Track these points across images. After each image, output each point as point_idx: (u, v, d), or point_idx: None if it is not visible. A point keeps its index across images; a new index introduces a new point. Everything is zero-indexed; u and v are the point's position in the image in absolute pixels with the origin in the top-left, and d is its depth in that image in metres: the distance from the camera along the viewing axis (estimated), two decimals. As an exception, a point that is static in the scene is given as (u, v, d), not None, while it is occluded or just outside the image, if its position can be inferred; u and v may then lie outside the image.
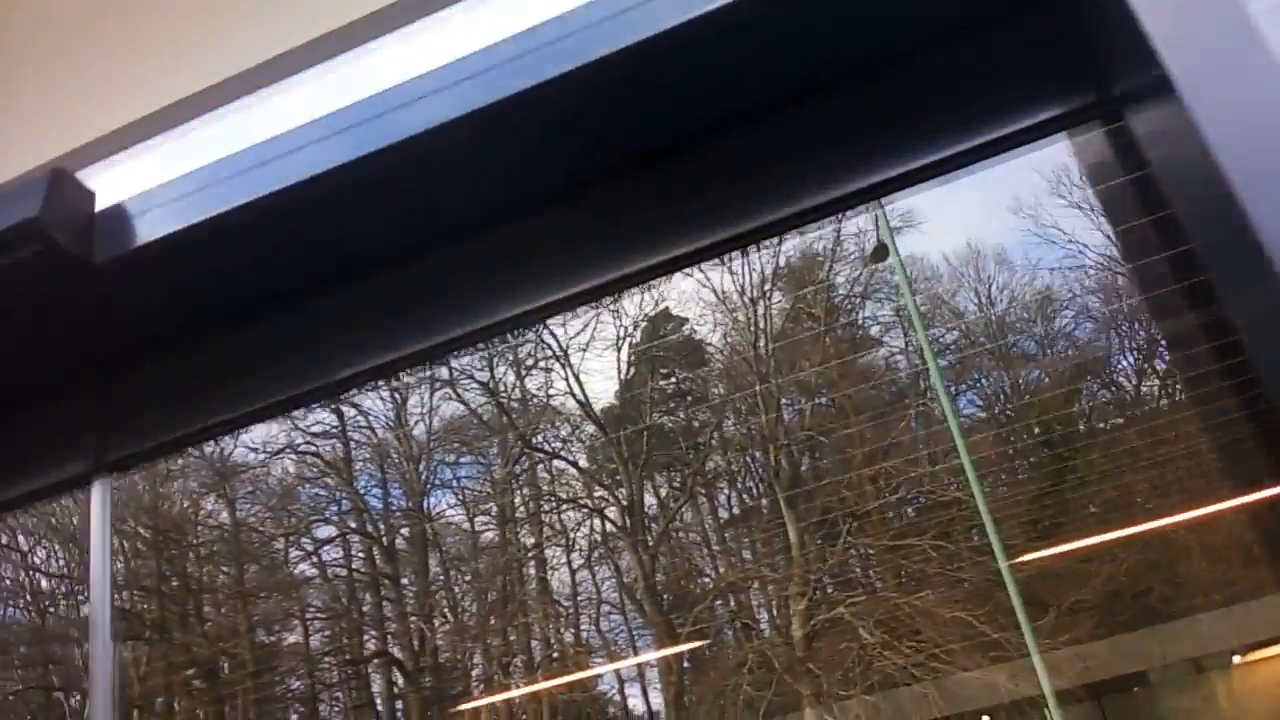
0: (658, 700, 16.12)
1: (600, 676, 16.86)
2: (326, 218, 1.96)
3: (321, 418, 17.75)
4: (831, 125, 2.05)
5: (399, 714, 15.71)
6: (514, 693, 14.75)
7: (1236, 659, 11.70)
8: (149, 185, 1.95)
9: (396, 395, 17.33)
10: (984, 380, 16.38)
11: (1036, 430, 15.68)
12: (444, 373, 16.88)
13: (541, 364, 16.48)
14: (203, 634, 16.00)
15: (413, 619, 15.92)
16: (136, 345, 2.23)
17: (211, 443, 15.99)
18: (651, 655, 14.47)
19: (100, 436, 2.32)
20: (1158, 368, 15.12)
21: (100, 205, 1.98)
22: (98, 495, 2.28)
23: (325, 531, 17.41)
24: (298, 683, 17.27)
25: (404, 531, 17.20)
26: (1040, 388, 16.01)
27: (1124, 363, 15.45)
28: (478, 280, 2.10)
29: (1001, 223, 16.89)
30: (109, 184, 2.01)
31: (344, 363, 2.17)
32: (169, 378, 2.28)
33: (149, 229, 1.93)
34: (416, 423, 17.25)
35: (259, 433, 18.27)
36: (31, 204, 1.82)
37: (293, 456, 18.03)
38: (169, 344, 2.23)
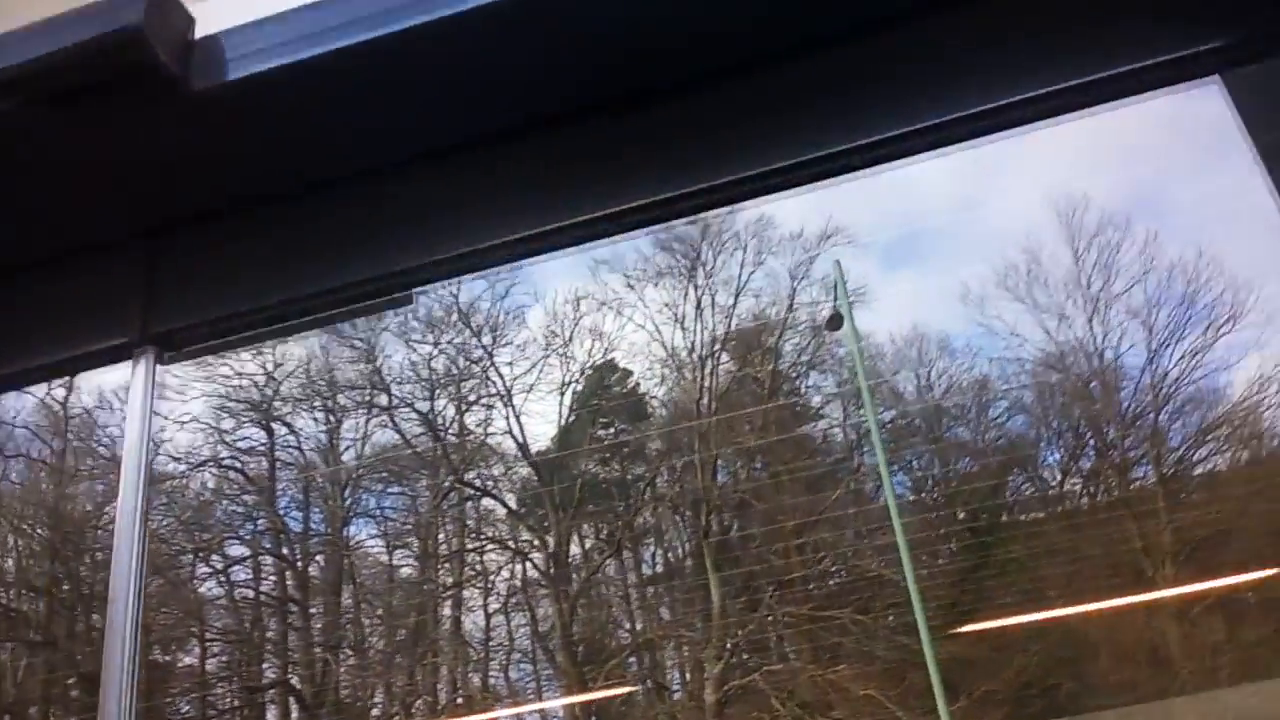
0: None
1: (504, 726, 16.47)
2: (436, 73, 1.91)
3: (250, 434, 17.36)
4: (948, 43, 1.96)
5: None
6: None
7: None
8: (251, 19, 1.91)
9: (331, 417, 17.03)
10: (915, 462, 16.67)
11: (961, 515, 15.97)
12: (383, 400, 16.64)
13: (483, 401, 16.36)
14: (90, 643, 15.27)
15: (318, 649, 15.41)
16: (200, 205, 2.12)
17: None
18: (561, 701, 14.18)
19: (146, 305, 2.17)
20: (1082, 466, 15.56)
21: (199, 34, 1.94)
22: (139, 372, 2.13)
23: (238, 550, 16.88)
24: (187, 706, 16.53)
25: (319, 559, 16.74)
26: (970, 474, 16.33)
27: (1050, 459, 15.90)
28: (569, 172, 2.05)
29: (948, 309, 17.43)
30: (208, 15, 1.96)
31: (413, 252, 2.09)
32: (229, 247, 2.15)
33: (249, 64, 1.89)
34: (347, 448, 16.93)
35: (182, 442, 17.76)
36: (132, 14, 1.77)
37: (214, 470, 17.53)
38: (236, 208, 2.12)
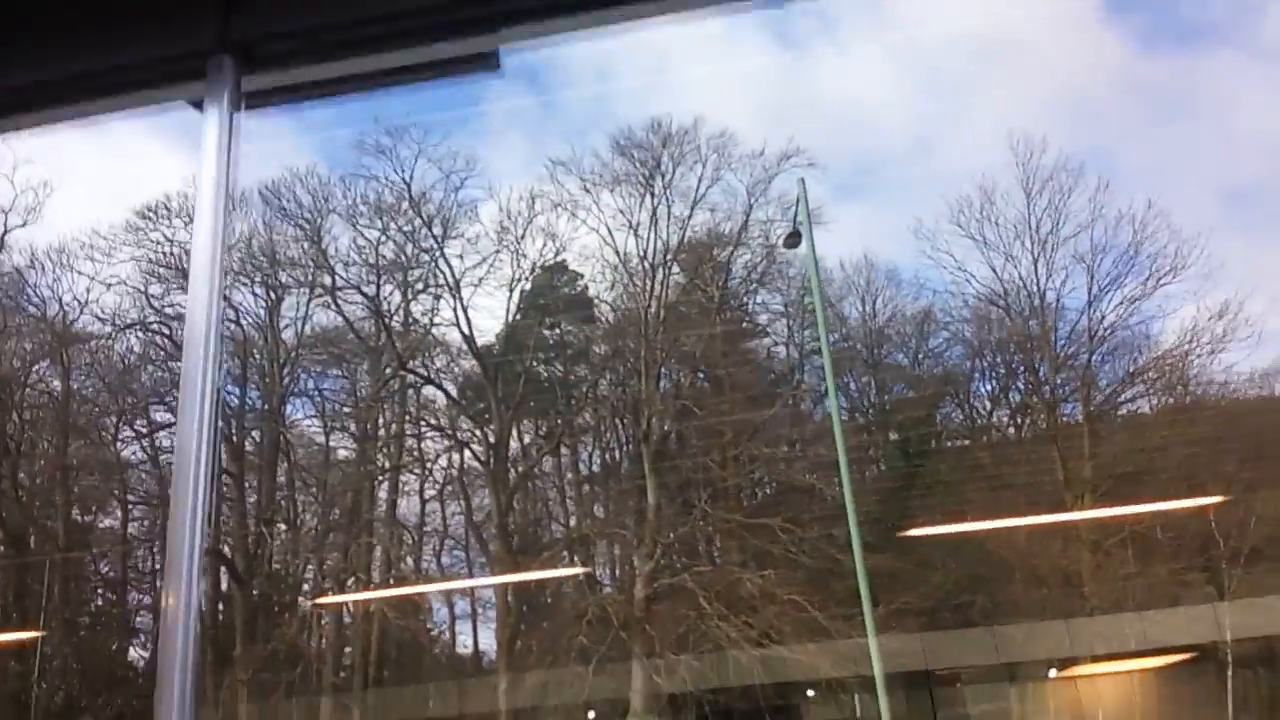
0: (487, 642, 16.18)
1: (433, 611, 16.73)
2: None
3: (179, 300, 16.85)
4: None
5: (220, 614, 15.10)
6: (349, 597, 14.35)
7: (1053, 673, 12.64)
8: None
9: (272, 294, 16.62)
10: (853, 384, 17.17)
11: (894, 437, 16.58)
12: (327, 280, 16.28)
13: (431, 290, 16.14)
14: (15, 499, 14.89)
15: (250, 520, 15.32)
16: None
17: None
18: (495, 580, 14.37)
19: (226, 7, 1.81)
20: (1012, 399, 16.27)
21: None
22: (215, 89, 1.78)
23: (164, 416, 16.53)
24: (108, 567, 16.31)
25: (254, 434, 16.52)
26: (904, 399, 16.93)
27: (982, 389, 16.60)
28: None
29: (900, 241, 17.70)
30: None
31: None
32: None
33: None
34: (287, 326, 16.58)
35: (109, 303, 17.15)
36: None
37: (140, 334, 16.98)
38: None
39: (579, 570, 14.42)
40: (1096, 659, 12.28)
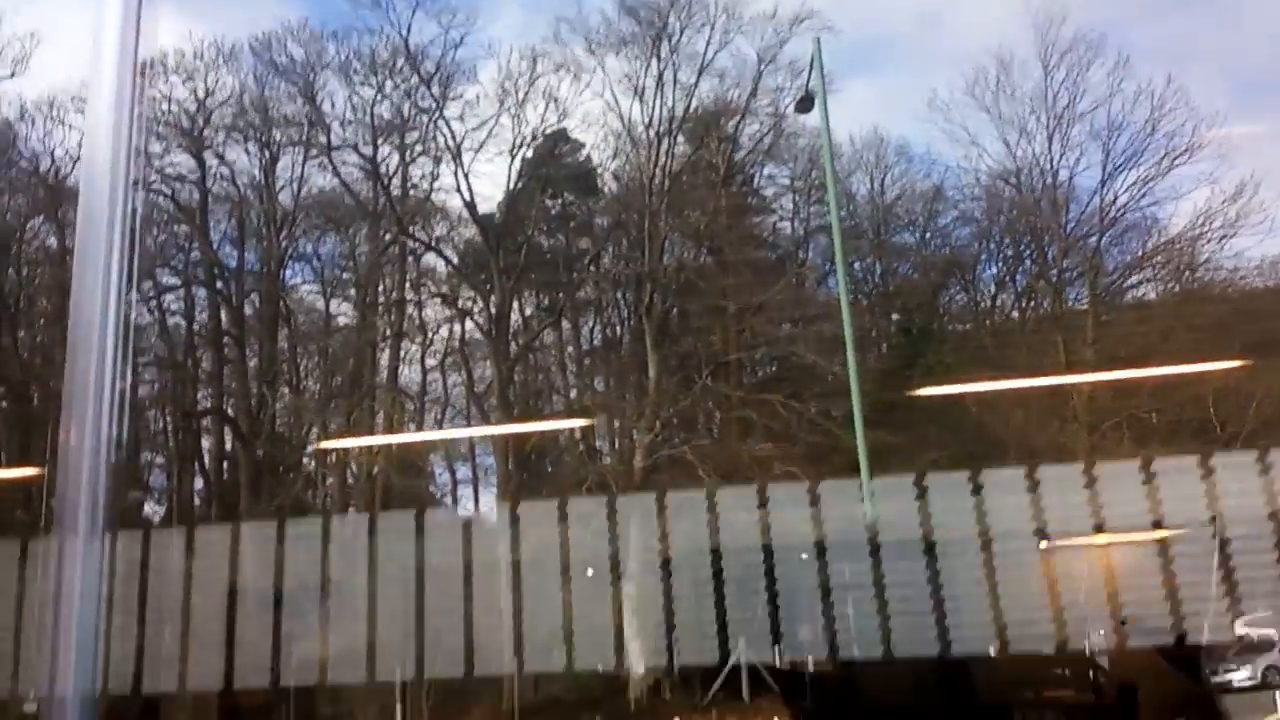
0: (487, 505, 16.46)
1: (435, 477, 16.95)
2: None
3: (178, 160, 16.57)
4: None
5: (225, 473, 15.29)
6: (353, 441, 14.37)
7: (1043, 545, 12.88)
8: None
9: (266, 152, 16.23)
10: (857, 263, 17.00)
11: (896, 317, 16.55)
12: (322, 139, 15.85)
13: (431, 153, 15.73)
14: (15, 355, 14.85)
15: (253, 382, 15.35)
16: None
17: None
18: (498, 430, 14.38)
19: None
20: (1018, 283, 16.18)
21: None
22: None
23: (171, 281, 16.41)
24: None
25: (254, 297, 16.36)
26: (909, 279, 16.84)
27: (988, 272, 16.49)
28: None
29: (913, 116, 17.32)
30: None
31: None
32: None
33: None
34: (283, 187, 16.22)
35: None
36: None
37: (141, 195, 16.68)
38: None
39: (582, 422, 14.40)
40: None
